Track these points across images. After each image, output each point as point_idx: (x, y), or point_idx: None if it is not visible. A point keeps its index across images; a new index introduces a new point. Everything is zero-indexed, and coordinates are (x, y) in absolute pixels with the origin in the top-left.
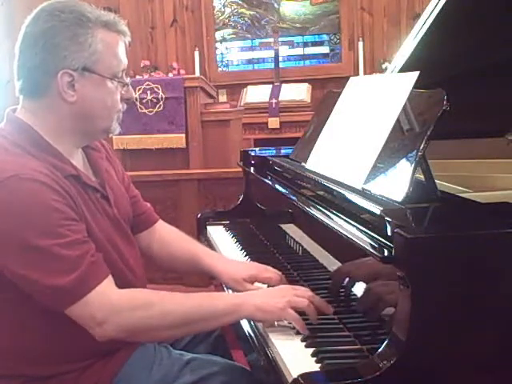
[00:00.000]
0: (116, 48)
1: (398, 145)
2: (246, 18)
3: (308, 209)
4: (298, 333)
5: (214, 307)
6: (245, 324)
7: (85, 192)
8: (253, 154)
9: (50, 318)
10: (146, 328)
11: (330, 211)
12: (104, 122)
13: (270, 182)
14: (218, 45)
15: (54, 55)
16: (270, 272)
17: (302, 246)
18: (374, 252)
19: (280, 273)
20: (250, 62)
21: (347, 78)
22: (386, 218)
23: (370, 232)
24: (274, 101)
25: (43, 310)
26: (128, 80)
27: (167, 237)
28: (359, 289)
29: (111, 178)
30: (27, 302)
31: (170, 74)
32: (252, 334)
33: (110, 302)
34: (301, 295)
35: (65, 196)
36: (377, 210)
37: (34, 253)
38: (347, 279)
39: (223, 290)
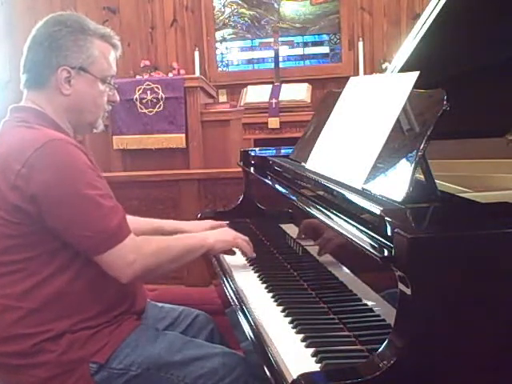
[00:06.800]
0: (108, 56)
1: (397, 145)
2: (246, 18)
3: (308, 209)
4: (297, 332)
5: (191, 244)
6: (244, 324)
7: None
8: (253, 154)
9: (71, 273)
10: (161, 263)
11: (330, 211)
12: (91, 116)
13: (270, 182)
14: (218, 45)
15: (57, 53)
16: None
17: (302, 246)
18: (374, 252)
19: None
20: (249, 62)
21: (347, 78)
22: (386, 218)
23: (370, 232)
24: (273, 101)
25: (65, 267)
26: (115, 86)
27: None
28: (359, 289)
29: None
30: (50, 259)
31: (170, 74)
32: (252, 335)
33: (138, 245)
34: (240, 236)
35: (88, 158)
36: (377, 210)
37: (83, 200)
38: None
39: (223, 290)
